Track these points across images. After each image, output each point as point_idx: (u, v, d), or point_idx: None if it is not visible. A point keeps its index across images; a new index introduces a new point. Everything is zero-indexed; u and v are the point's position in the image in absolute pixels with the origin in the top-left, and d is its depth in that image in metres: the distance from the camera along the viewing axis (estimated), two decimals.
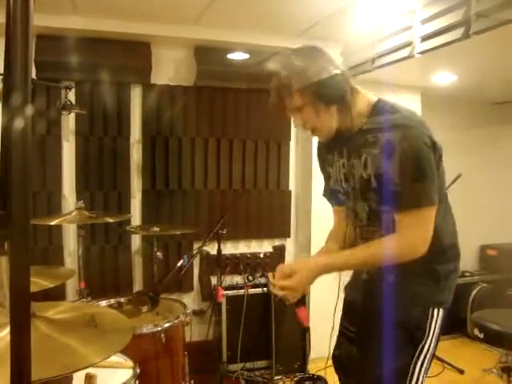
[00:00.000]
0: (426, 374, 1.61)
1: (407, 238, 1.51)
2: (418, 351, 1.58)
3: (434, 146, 1.53)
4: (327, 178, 1.87)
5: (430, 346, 1.60)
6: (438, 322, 1.62)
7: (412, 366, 1.58)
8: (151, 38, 3.36)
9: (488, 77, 3.63)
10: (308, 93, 1.53)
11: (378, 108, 1.60)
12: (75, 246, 3.31)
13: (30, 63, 0.70)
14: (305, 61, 1.55)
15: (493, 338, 2.88)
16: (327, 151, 1.81)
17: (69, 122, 3.38)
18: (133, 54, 3.36)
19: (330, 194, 1.87)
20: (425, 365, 1.60)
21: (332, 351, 1.90)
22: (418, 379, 1.58)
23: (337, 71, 1.55)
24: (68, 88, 2.99)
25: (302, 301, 1.67)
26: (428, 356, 1.60)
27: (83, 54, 3.21)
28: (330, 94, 1.54)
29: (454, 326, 4.25)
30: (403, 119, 1.51)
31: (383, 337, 1.59)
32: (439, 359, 3.83)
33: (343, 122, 1.62)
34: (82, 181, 3.41)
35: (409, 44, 2.92)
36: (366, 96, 1.64)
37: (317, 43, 1.71)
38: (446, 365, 3.76)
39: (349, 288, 1.90)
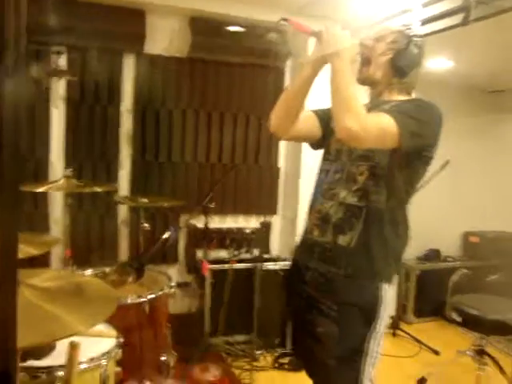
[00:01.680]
0: (380, 349, 1.65)
1: (366, 118, 1.51)
2: (371, 328, 1.61)
3: (437, 142, 1.65)
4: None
5: (382, 322, 1.63)
6: (389, 298, 1.64)
7: (366, 344, 1.61)
8: (146, 6, 3.30)
9: (484, 65, 3.62)
10: (398, 45, 1.69)
11: (411, 99, 1.75)
12: (61, 213, 3.29)
13: (23, 22, 0.68)
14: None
15: (470, 322, 2.94)
16: None
17: (59, 88, 3.32)
18: (127, 22, 3.30)
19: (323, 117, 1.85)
20: (377, 342, 1.63)
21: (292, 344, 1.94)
22: (372, 356, 1.62)
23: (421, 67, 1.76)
24: (59, 53, 2.93)
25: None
26: (380, 333, 1.63)
27: (75, 18, 3.13)
28: (403, 65, 1.69)
29: (433, 309, 4.33)
30: (431, 107, 1.66)
31: (335, 319, 1.62)
32: (416, 340, 3.91)
33: (380, 89, 1.76)
34: (70, 148, 3.37)
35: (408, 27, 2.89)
36: (411, 92, 1.78)
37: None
38: (422, 346, 3.84)
39: (302, 253, 1.85)
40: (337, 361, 1.61)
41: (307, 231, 1.81)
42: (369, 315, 1.61)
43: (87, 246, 3.41)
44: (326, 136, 1.83)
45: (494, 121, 4.62)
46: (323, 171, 1.82)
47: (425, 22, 2.75)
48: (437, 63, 3.61)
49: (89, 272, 2.69)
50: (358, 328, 1.61)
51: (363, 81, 1.77)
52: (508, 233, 4.68)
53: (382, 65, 1.71)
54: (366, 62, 1.74)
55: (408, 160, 1.62)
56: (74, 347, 1.43)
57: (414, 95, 1.79)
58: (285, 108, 1.77)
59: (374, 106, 1.72)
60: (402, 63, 1.68)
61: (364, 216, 1.63)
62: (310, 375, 1.83)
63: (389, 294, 1.64)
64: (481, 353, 2.97)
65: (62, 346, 1.49)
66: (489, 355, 2.99)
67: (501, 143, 4.68)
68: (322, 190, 1.78)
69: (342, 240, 1.65)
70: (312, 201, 1.84)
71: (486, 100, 4.68)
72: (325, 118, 1.82)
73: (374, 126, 1.51)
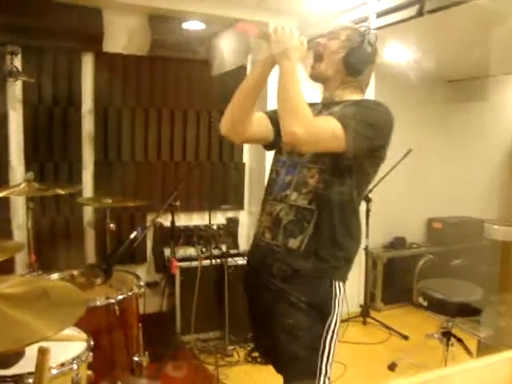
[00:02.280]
0: (336, 344, 1.66)
1: (313, 122, 1.52)
2: (326, 326, 1.62)
3: (387, 144, 1.64)
4: None
5: (337, 319, 1.64)
6: (342, 295, 1.66)
7: (322, 342, 1.62)
8: (103, 4, 3.24)
9: (441, 55, 3.71)
10: (351, 43, 1.67)
11: (361, 99, 1.74)
12: (24, 218, 3.22)
13: None
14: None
15: (435, 306, 3.03)
16: None
17: (15, 90, 3.24)
18: (84, 20, 3.23)
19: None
20: (334, 337, 1.64)
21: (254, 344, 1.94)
22: (329, 352, 1.63)
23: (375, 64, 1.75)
24: (14, 53, 2.85)
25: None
26: (336, 329, 1.65)
27: (30, 17, 3.05)
28: (356, 63, 1.67)
29: (401, 295, 4.43)
30: (380, 109, 1.64)
31: (288, 318, 1.63)
32: (386, 326, 4.00)
33: (332, 87, 1.74)
34: (30, 152, 3.29)
35: (364, 20, 2.94)
36: (362, 92, 1.77)
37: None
38: (392, 331, 3.93)
39: (254, 254, 1.87)
40: (293, 359, 1.62)
41: (259, 233, 1.79)
42: (323, 313, 1.62)
43: (52, 250, 3.34)
44: (278, 137, 1.79)
45: (454, 110, 4.74)
46: (274, 172, 1.81)
47: (380, 14, 2.80)
48: (396, 55, 3.67)
49: (55, 276, 2.64)
50: (314, 327, 1.62)
51: (315, 77, 1.76)
52: (469, 218, 4.83)
53: (335, 62, 1.69)
54: (318, 58, 1.73)
55: (358, 162, 1.61)
56: (43, 353, 1.40)
57: (366, 94, 1.78)
58: (236, 111, 1.75)
59: (325, 107, 1.73)
60: (355, 61, 1.66)
61: (315, 219, 1.62)
62: (277, 371, 1.84)
63: (342, 292, 1.66)
64: (447, 335, 3.06)
65: (30, 353, 1.46)
66: (455, 337, 3.09)
67: (461, 131, 4.81)
68: (273, 192, 1.76)
69: (292, 243, 1.64)
70: (263, 202, 1.81)
71: (446, 90, 4.80)
72: (276, 119, 1.75)
73: (321, 131, 1.51)
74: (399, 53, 3.65)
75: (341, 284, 1.66)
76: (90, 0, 3.13)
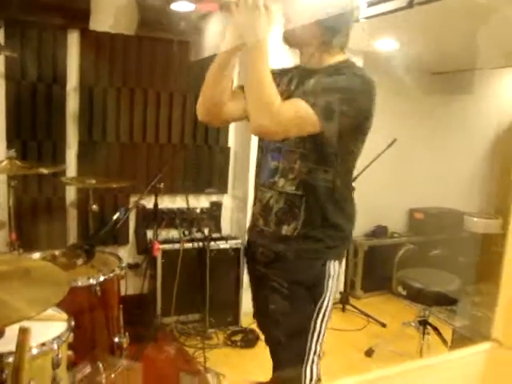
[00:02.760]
0: (326, 325, 1.68)
1: (278, 107, 1.44)
2: (317, 307, 1.64)
3: (369, 116, 1.57)
4: None
5: (328, 300, 1.66)
6: (336, 275, 1.67)
7: (313, 322, 1.64)
8: None
9: (429, 47, 3.73)
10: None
11: (341, 64, 1.61)
12: (5, 196, 3.18)
13: None
14: None
15: (413, 295, 3.09)
16: (280, 78, 1.73)
17: None
18: None
19: None
20: (325, 318, 1.66)
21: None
22: (319, 333, 1.65)
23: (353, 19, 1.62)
24: None
25: None
26: (328, 310, 1.66)
27: None
28: (332, 23, 1.56)
29: (380, 284, 4.50)
30: (354, 81, 1.55)
31: (281, 297, 1.65)
32: (364, 314, 4.06)
33: (309, 52, 1.63)
34: (13, 129, 3.24)
35: (354, 8, 2.93)
36: (342, 52, 1.65)
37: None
38: (370, 319, 3.99)
39: (251, 239, 1.86)
40: (286, 337, 1.65)
41: (254, 218, 1.79)
42: (316, 293, 1.64)
43: (34, 229, 3.32)
44: None
45: (439, 102, 4.78)
46: (260, 155, 1.78)
47: (371, 3, 2.80)
48: (382, 44, 3.68)
49: (36, 255, 2.62)
50: (306, 305, 1.64)
51: (289, 42, 1.66)
52: (450, 209, 4.89)
53: (309, 25, 1.57)
54: (288, 21, 1.61)
55: (340, 140, 1.55)
56: (24, 332, 1.40)
57: (344, 53, 1.66)
58: (207, 95, 1.71)
59: (301, 78, 1.64)
60: (330, 21, 1.54)
61: (304, 204, 1.61)
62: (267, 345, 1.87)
63: (336, 271, 1.67)
64: (424, 323, 3.13)
65: (11, 332, 1.46)
66: (431, 325, 3.16)
67: (445, 123, 4.85)
68: (262, 178, 1.74)
69: (286, 230, 1.65)
70: (254, 188, 1.81)
71: (432, 81, 4.82)
72: None
73: (289, 119, 1.45)
74: (387, 43, 3.66)
75: (336, 264, 1.67)
76: None
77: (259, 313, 1.90)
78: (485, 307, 2.80)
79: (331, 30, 1.58)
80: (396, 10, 2.65)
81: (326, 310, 1.65)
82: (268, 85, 1.44)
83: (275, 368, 1.76)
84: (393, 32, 3.33)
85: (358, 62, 3.97)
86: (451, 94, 4.80)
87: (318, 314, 1.64)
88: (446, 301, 2.97)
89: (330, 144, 1.55)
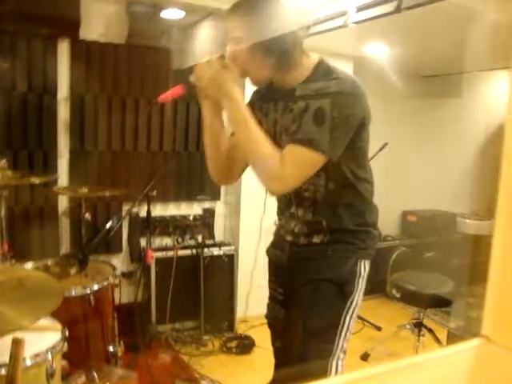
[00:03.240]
0: (355, 320, 1.71)
1: (281, 168, 1.46)
2: (348, 304, 1.65)
3: (364, 121, 1.55)
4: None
5: (358, 298, 1.68)
6: (366, 274, 1.69)
7: (343, 318, 1.65)
8: None
9: (418, 50, 3.76)
10: (252, 27, 1.49)
11: (317, 70, 1.57)
12: None
13: None
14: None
15: (408, 297, 3.10)
16: (263, 100, 1.74)
17: None
18: (60, 5, 3.17)
19: None
20: (354, 316, 1.68)
21: (266, 314, 1.95)
22: (347, 329, 1.67)
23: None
24: None
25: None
26: (357, 308, 1.68)
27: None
28: (272, 42, 1.49)
29: (375, 287, 4.49)
30: (339, 86, 1.49)
31: (313, 294, 1.65)
32: (360, 317, 4.06)
33: (280, 77, 1.60)
34: (4, 139, 3.22)
35: (343, 14, 2.96)
36: (309, 55, 1.62)
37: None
38: (365, 323, 4.00)
39: (273, 249, 1.90)
40: (313, 335, 1.65)
41: (281, 233, 1.82)
42: (346, 290, 1.65)
43: (26, 239, 3.30)
44: None
45: (428, 105, 4.81)
46: None
47: (359, 9, 2.83)
48: (373, 49, 3.71)
49: (29, 265, 2.61)
50: (336, 303, 1.65)
51: (258, 84, 1.66)
52: (442, 211, 4.92)
53: (261, 62, 1.54)
54: (244, 72, 1.58)
55: (347, 150, 1.53)
56: (17, 343, 1.39)
57: (314, 55, 1.62)
58: (216, 165, 1.74)
59: (285, 105, 1.60)
60: (278, 45, 1.49)
61: (326, 227, 1.65)
62: (278, 345, 1.87)
63: (366, 269, 1.69)
64: (419, 325, 3.14)
65: (3, 343, 1.45)
66: (426, 327, 3.17)
67: (435, 126, 4.88)
68: (282, 206, 1.79)
69: (317, 238, 1.68)
70: (277, 211, 1.84)
71: (421, 85, 4.86)
72: None
73: (298, 173, 1.48)
74: (377, 47, 3.69)
75: (366, 262, 1.69)
76: None
77: (275, 315, 1.88)
78: (479, 308, 2.81)
79: (285, 50, 1.53)
80: (384, 15, 2.67)
81: (355, 308, 1.67)
82: (261, 146, 1.46)
83: (294, 363, 1.74)
84: (382, 36, 3.36)
85: (348, 67, 4.00)
86: (440, 97, 4.83)
87: (348, 311, 1.65)
88: (440, 303, 2.98)
89: (339, 161, 1.54)
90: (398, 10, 2.60)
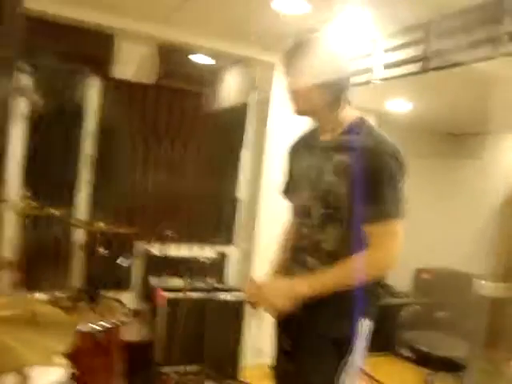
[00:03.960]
0: (356, 379, 1.65)
1: (378, 255, 1.55)
2: (343, 364, 1.61)
3: (402, 167, 1.60)
4: (291, 174, 1.87)
5: (356, 357, 1.63)
6: (366, 333, 1.65)
7: (338, 376, 1.60)
8: (115, 31, 3.30)
9: (441, 109, 3.80)
10: (306, 71, 1.61)
11: (356, 124, 1.64)
12: (13, 235, 3.19)
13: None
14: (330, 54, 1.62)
15: (419, 358, 3.03)
16: (299, 147, 1.83)
17: (20, 106, 3.25)
18: (95, 45, 3.29)
19: (293, 190, 1.85)
20: (351, 375, 1.63)
21: (271, 363, 1.91)
22: None
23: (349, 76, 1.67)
24: (22, 70, 2.89)
25: None
26: (355, 368, 1.63)
27: (42, 36, 3.09)
28: (333, 84, 1.61)
29: (383, 344, 4.38)
30: (376, 141, 1.58)
31: (314, 350, 1.63)
32: (367, 374, 3.95)
33: (324, 118, 1.68)
34: (28, 169, 3.28)
35: (369, 70, 3.02)
36: (351, 110, 1.69)
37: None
38: (373, 381, 3.88)
39: None
40: None
41: None
42: (344, 349, 1.61)
43: (39, 270, 3.29)
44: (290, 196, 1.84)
45: (449, 165, 4.82)
46: (297, 229, 1.80)
47: (386, 66, 2.88)
48: (396, 105, 3.76)
49: (41, 296, 2.60)
50: (332, 361, 1.61)
51: (300, 113, 1.71)
52: (457, 271, 4.83)
53: (313, 89, 1.62)
54: (295, 99, 1.68)
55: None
56: (22, 380, 1.37)
57: (357, 111, 1.70)
58: None
59: (323, 150, 1.67)
60: (332, 83, 1.60)
61: None
62: None
63: (366, 329, 1.65)
64: None
65: (7, 379, 1.43)
66: None
67: (453, 185, 4.87)
68: (295, 252, 1.78)
69: None
70: (288, 258, 1.83)
71: (441, 143, 4.89)
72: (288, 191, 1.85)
73: (396, 248, 1.57)
74: (401, 104, 3.74)
75: (367, 321, 1.65)
76: (102, 25, 3.18)
77: (282, 366, 1.85)
78: (493, 375, 2.73)
79: (336, 90, 1.63)
80: (411, 74, 2.72)
81: (352, 368, 1.63)
82: (349, 274, 1.55)
83: None
84: (406, 93, 3.41)
85: (371, 121, 4.04)
86: (461, 157, 4.85)
87: (343, 372, 1.61)
88: (452, 366, 2.89)
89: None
90: (423, 69, 2.65)
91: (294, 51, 1.66)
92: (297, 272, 1.73)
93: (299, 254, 1.74)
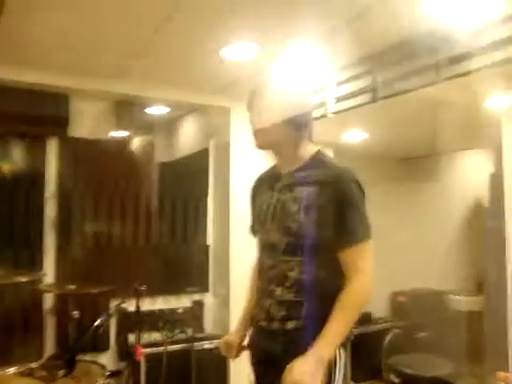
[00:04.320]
0: None
1: (364, 281, 1.59)
2: None
3: (363, 191, 1.67)
4: (255, 212, 1.89)
5: None
6: (343, 361, 1.64)
7: None
8: (70, 91, 3.31)
9: (395, 135, 3.94)
10: (269, 110, 1.68)
11: (317, 158, 1.72)
12: None
13: None
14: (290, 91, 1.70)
15: (407, 382, 3.02)
16: (261, 185, 1.88)
17: None
18: (50, 106, 3.28)
19: (258, 227, 1.86)
20: None
21: None
22: None
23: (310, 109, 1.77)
24: None
25: None
26: None
27: None
28: (294, 119, 1.67)
29: (370, 372, 4.36)
30: (336, 170, 1.66)
31: None
32: None
33: (284, 152, 1.74)
34: None
35: (323, 104, 3.12)
36: (310, 144, 1.76)
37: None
38: None
39: (254, 336, 1.85)
40: None
41: (257, 317, 1.79)
42: (324, 381, 1.60)
43: (8, 341, 3.17)
44: (257, 233, 1.86)
45: (407, 189, 4.98)
46: (262, 263, 1.81)
47: (338, 99, 2.99)
48: (352, 136, 3.88)
49: (12, 370, 2.49)
50: None
51: (262, 145, 1.76)
52: (432, 290, 4.91)
53: (274, 131, 1.68)
54: (257, 133, 1.73)
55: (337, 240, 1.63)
56: None
57: (313, 145, 1.76)
58: None
59: (284, 185, 1.72)
60: (296, 118, 1.67)
61: (306, 306, 1.63)
62: None
63: (342, 358, 1.64)
64: None
65: None
66: None
67: (415, 207, 5.01)
68: (262, 284, 1.77)
69: (291, 324, 1.65)
70: (257, 291, 1.83)
71: (398, 168, 5.05)
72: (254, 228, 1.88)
73: (369, 270, 1.61)
74: (355, 134, 3.86)
75: (342, 350, 1.64)
76: (56, 86, 3.19)
77: None
78: None
79: (297, 125, 1.68)
80: (362, 105, 2.83)
81: None
82: (348, 318, 1.58)
83: None
84: (360, 124, 3.52)
85: (329, 153, 4.14)
86: (419, 181, 5.02)
87: None
88: None
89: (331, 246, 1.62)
90: (373, 100, 2.76)
91: (254, 93, 1.74)
92: (265, 303, 1.72)
93: (267, 286, 1.73)
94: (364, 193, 1.67)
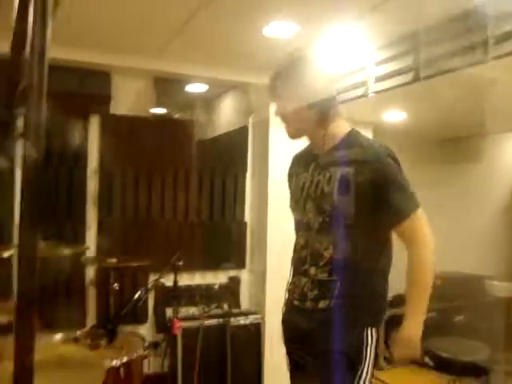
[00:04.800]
0: None
1: (424, 251, 1.69)
2: (357, 375, 1.62)
3: (399, 163, 1.70)
4: (292, 191, 1.92)
5: (368, 367, 1.64)
6: (374, 342, 1.66)
7: None
8: (112, 68, 3.36)
9: (436, 115, 3.84)
10: (293, 91, 1.71)
11: (350, 138, 1.73)
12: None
13: None
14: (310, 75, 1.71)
15: (442, 365, 2.99)
16: (297, 165, 1.92)
17: (20, 148, 3.30)
18: (92, 83, 3.35)
19: (294, 206, 1.89)
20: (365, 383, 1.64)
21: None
22: None
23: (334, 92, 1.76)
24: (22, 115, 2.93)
25: None
26: (368, 377, 1.65)
27: None
28: (320, 103, 1.68)
29: None
30: (372, 147, 1.67)
31: (327, 366, 1.63)
32: None
33: (317, 135, 1.75)
34: (35, 211, 3.31)
35: (363, 84, 3.07)
36: (343, 123, 1.76)
37: None
38: None
39: (288, 314, 1.88)
40: None
41: (290, 295, 1.83)
42: (354, 360, 1.63)
43: (54, 310, 3.30)
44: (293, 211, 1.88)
45: (450, 170, 4.86)
46: (296, 243, 1.84)
47: (378, 79, 2.93)
48: (391, 116, 3.80)
49: (58, 336, 2.60)
50: (344, 374, 1.62)
51: (294, 137, 1.81)
52: (469, 274, 4.82)
53: (300, 116, 1.72)
54: (287, 123, 1.79)
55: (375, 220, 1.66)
56: None
57: (347, 124, 1.78)
58: None
59: (318, 165, 1.75)
60: (317, 103, 1.68)
61: (339, 286, 1.66)
62: None
63: (374, 337, 1.66)
64: None
65: None
66: None
67: (458, 189, 4.90)
68: (296, 263, 1.80)
69: (323, 303, 1.68)
70: (290, 270, 1.85)
71: (441, 150, 4.93)
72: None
73: (424, 234, 1.69)
74: (395, 114, 3.78)
75: (373, 330, 1.67)
76: (98, 64, 3.24)
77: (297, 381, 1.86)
78: None
79: (324, 109, 1.70)
80: (402, 85, 2.76)
81: (365, 379, 1.64)
82: (426, 285, 1.76)
83: None
84: (400, 104, 3.45)
85: (368, 133, 4.08)
86: (460, 162, 4.89)
87: (358, 382, 1.62)
88: (476, 371, 2.87)
89: (364, 224, 1.65)
90: (416, 79, 2.69)
91: (278, 75, 1.75)
92: (300, 282, 1.75)
93: (300, 265, 1.76)
94: (399, 164, 1.68)
